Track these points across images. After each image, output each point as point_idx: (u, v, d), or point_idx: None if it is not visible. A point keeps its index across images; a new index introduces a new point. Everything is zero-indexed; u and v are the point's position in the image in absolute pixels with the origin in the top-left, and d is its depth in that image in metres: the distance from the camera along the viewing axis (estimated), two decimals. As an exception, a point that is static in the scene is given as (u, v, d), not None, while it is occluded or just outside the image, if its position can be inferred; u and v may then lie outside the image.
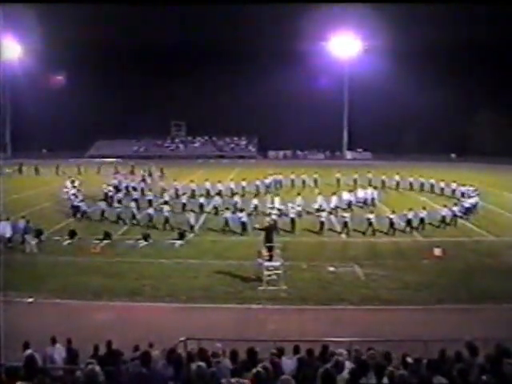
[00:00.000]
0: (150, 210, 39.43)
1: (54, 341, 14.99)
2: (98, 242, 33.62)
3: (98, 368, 9.80)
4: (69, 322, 20.44)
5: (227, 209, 38.81)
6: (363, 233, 36.56)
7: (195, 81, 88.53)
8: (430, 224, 38.02)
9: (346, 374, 10.18)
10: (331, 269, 28.62)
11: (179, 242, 34.13)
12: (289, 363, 11.94)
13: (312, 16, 71.80)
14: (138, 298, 24.53)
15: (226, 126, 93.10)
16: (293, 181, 54.90)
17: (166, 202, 42.55)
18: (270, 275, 25.90)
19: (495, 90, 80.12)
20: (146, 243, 33.83)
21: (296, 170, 58.83)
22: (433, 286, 25.88)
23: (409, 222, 37.12)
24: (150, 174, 61.48)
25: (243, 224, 36.64)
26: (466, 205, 41.39)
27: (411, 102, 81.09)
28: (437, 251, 30.82)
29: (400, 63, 77.48)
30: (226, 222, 37.40)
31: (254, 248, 29.36)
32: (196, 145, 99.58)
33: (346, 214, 37.53)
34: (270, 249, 27.20)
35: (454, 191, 49.98)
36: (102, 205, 41.42)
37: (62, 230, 36.58)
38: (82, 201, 42.98)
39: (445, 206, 40.01)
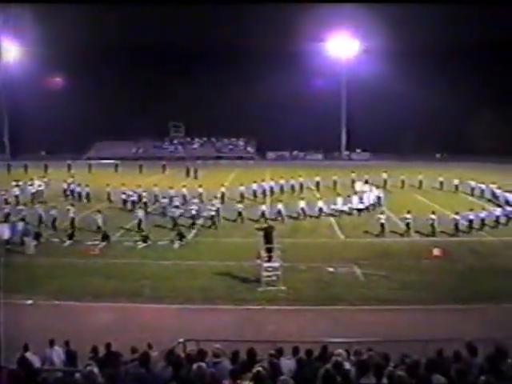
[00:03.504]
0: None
1: (52, 343, 14.97)
2: (96, 243, 33.65)
3: (96, 370, 9.81)
4: (68, 323, 20.46)
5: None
6: (377, 235, 36.66)
7: (194, 82, 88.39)
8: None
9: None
10: (330, 269, 28.64)
11: (178, 243, 34.13)
12: (288, 364, 11.92)
13: (310, 16, 71.84)
14: (137, 299, 24.55)
15: (224, 126, 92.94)
16: (293, 186, 53.25)
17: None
18: (269, 276, 25.93)
19: (495, 90, 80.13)
20: (144, 244, 33.83)
21: (294, 172, 58.31)
22: (432, 286, 25.91)
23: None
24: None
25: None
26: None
27: (409, 103, 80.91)
28: (436, 251, 30.86)
29: (398, 64, 77.36)
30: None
31: (253, 249, 29.38)
32: (195, 146, 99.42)
33: (382, 216, 37.31)
34: (269, 250, 27.21)
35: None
36: (39, 209, 40.45)
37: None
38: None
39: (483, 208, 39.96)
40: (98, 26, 74.94)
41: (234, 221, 40.56)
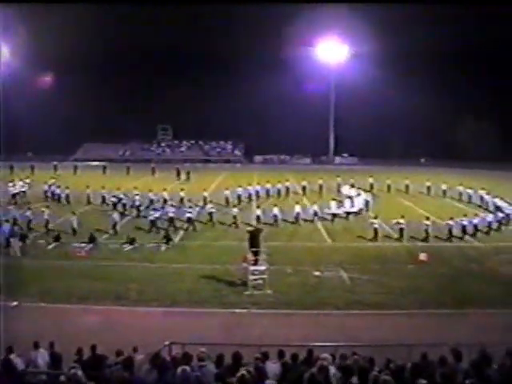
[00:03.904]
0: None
1: (36, 345, 14.84)
2: (83, 245, 33.51)
3: (80, 372, 9.78)
4: (53, 325, 20.33)
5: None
6: (370, 239, 36.72)
7: (182, 84, 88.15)
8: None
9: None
10: (316, 273, 28.68)
11: (165, 245, 34.08)
12: (273, 368, 11.92)
13: (299, 21, 72.02)
14: (123, 301, 24.46)
15: (212, 129, 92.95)
16: (279, 190, 53.01)
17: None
18: (255, 279, 25.91)
19: (481, 97, 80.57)
20: (131, 247, 33.74)
21: (282, 176, 58.37)
22: (417, 291, 26.02)
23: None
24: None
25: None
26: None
27: (397, 108, 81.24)
28: (422, 256, 30.98)
29: (386, 69, 77.72)
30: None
31: (240, 252, 29.37)
32: (182, 149, 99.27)
33: (401, 221, 37.05)
34: (255, 253, 27.21)
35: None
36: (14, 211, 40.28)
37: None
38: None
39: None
40: (87, 28, 74.69)
41: (230, 225, 40.41)
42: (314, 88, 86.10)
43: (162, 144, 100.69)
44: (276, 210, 41.25)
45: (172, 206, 42.03)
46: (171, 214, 39.76)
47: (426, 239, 36.34)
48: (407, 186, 55.92)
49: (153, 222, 38.57)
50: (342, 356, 12.61)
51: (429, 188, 55.31)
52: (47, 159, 74.01)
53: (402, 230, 36.53)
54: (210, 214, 41.02)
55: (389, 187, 56.22)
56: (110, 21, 74.15)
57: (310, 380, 8.76)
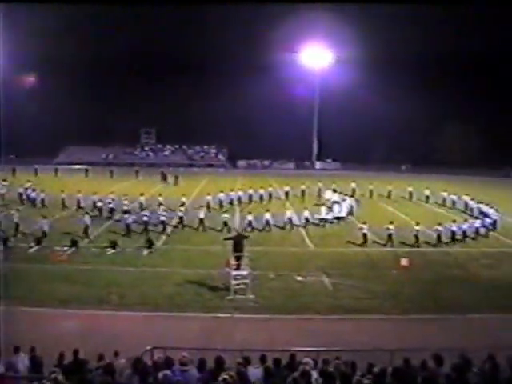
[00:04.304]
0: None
1: (17, 349, 14.70)
2: (65, 249, 33.29)
3: (61, 377, 9.70)
4: (35, 330, 20.16)
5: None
6: (360, 245, 36.74)
7: (166, 88, 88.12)
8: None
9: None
10: (299, 278, 28.72)
11: (147, 250, 33.95)
12: (255, 373, 11.92)
13: (283, 27, 72.29)
14: (105, 306, 24.31)
15: (196, 134, 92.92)
16: (261, 196, 53.10)
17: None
18: (237, 284, 25.88)
19: (464, 103, 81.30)
20: (113, 251, 33.57)
21: (265, 182, 58.33)
22: (399, 296, 26.14)
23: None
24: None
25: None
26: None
27: (381, 113, 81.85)
28: (404, 261, 31.11)
29: (370, 74, 78.27)
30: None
31: (222, 257, 29.35)
32: (166, 153, 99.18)
33: (391, 227, 37.13)
34: (238, 258, 27.19)
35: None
36: None
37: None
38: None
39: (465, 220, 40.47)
40: (72, 30, 74.52)
41: (221, 230, 40.26)
42: (297, 93, 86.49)
43: (146, 148, 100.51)
44: (268, 215, 41.29)
45: (164, 210, 41.97)
46: (145, 218, 39.82)
47: (416, 244, 36.50)
48: (389, 192, 56.34)
49: (128, 226, 38.55)
50: (325, 361, 12.64)
51: (411, 194, 55.70)
52: (30, 162, 73.48)
53: (390, 235, 36.59)
54: (201, 219, 40.78)
55: (371, 193, 56.64)
56: (94, 24, 74.00)
57: (292, 384, 8.76)
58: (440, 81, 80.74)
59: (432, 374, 11.22)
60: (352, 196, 52.68)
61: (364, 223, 37.55)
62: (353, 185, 56.52)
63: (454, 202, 51.22)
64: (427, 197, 54.08)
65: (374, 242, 37.30)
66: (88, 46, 78.96)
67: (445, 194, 53.01)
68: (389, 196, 56.14)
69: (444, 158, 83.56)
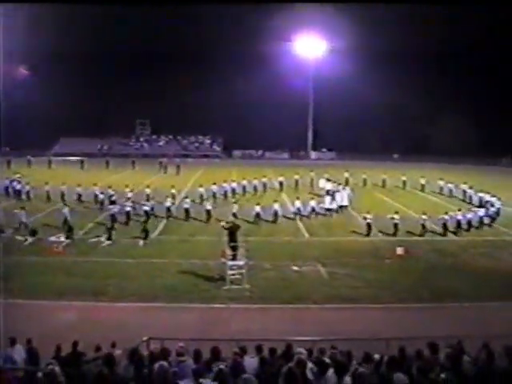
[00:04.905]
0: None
1: (13, 341, 14.72)
2: (60, 241, 33.22)
3: (57, 369, 9.70)
4: (30, 322, 20.18)
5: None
6: (366, 235, 36.82)
7: (161, 79, 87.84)
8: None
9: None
10: (295, 268, 28.78)
11: (143, 240, 33.95)
12: (251, 362, 11.94)
13: (277, 16, 72.05)
14: (101, 297, 24.33)
15: (191, 124, 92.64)
16: (255, 186, 52.58)
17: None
18: (233, 274, 25.92)
19: (456, 92, 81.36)
20: (109, 242, 33.54)
21: (259, 172, 58.02)
22: (394, 285, 26.22)
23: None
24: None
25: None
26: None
27: (375, 103, 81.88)
28: (399, 250, 31.19)
29: (364, 64, 78.17)
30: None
31: (218, 247, 29.38)
32: (161, 143, 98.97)
33: (396, 216, 37.07)
34: (233, 248, 27.23)
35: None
36: None
37: None
38: None
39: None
40: (64, 21, 74.04)
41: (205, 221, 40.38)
42: (292, 83, 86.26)
43: (141, 139, 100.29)
44: (276, 206, 41.16)
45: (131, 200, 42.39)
46: (128, 209, 40.05)
47: (422, 234, 36.60)
48: (384, 181, 56.41)
49: (113, 216, 38.69)
50: (321, 350, 12.69)
51: (404, 182, 55.74)
52: (24, 154, 73.32)
53: (396, 225, 36.58)
54: (187, 209, 40.97)
55: (365, 182, 56.68)
56: (86, 15, 73.59)
57: (287, 374, 8.78)
58: (433, 70, 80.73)
59: (427, 363, 11.27)
60: (346, 185, 52.51)
61: (368, 213, 37.49)
62: (346, 174, 56.45)
63: (451, 191, 51.23)
64: (423, 185, 54.08)
65: (380, 231, 37.32)
66: (83, 37, 78.51)
67: (441, 182, 52.97)
68: (383, 185, 56.23)
69: (437, 147, 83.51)
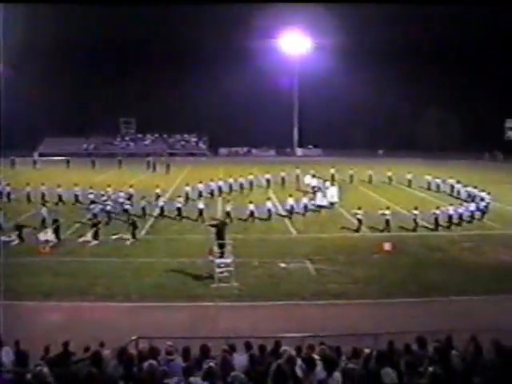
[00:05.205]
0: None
1: (0, 343, 14.62)
2: (48, 240, 32.99)
3: (46, 369, 9.66)
4: (18, 323, 20.04)
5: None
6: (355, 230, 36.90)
7: (145, 76, 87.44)
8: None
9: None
10: (282, 265, 28.81)
11: (130, 240, 33.84)
12: (240, 360, 11.95)
13: (262, 13, 71.92)
14: (89, 297, 24.25)
15: (176, 122, 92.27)
16: (242, 184, 51.92)
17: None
18: (221, 272, 25.92)
19: (443, 89, 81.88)
20: (96, 242, 33.41)
21: (245, 170, 57.57)
22: (382, 280, 26.32)
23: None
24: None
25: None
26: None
27: (361, 99, 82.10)
28: (386, 246, 31.30)
29: (349, 61, 78.43)
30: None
31: (206, 245, 29.35)
32: (146, 142, 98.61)
33: (387, 212, 37.16)
34: (221, 246, 27.23)
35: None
36: None
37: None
38: None
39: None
40: (47, 18, 73.48)
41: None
42: (277, 80, 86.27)
43: (126, 138, 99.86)
44: (269, 204, 41.20)
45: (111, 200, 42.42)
46: (109, 208, 40.02)
47: (415, 229, 36.78)
48: (370, 177, 56.57)
49: (95, 215, 38.25)
50: (310, 346, 12.71)
51: (390, 178, 55.92)
52: (8, 155, 72.76)
53: (388, 220, 36.70)
54: (179, 208, 40.60)
55: (351, 178, 56.76)
56: (70, 12, 73.18)
57: (276, 371, 8.79)
58: (418, 67, 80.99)
59: (415, 357, 11.32)
60: (332, 181, 52.52)
61: (359, 209, 37.58)
62: (332, 170, 56.44)
63: (438, 186, 51.43)
64: (409, 181, 54.27)
65: (370, 227, 37.42)
66: (65, 35, 78.02)
67: (429, 177, 53.11)
68: (370, 181, 56.41)
69: (421, 143, 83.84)
